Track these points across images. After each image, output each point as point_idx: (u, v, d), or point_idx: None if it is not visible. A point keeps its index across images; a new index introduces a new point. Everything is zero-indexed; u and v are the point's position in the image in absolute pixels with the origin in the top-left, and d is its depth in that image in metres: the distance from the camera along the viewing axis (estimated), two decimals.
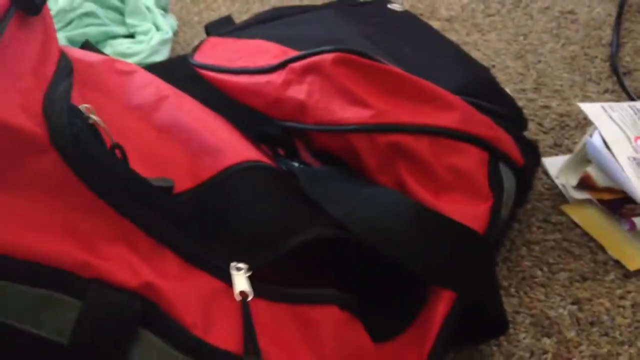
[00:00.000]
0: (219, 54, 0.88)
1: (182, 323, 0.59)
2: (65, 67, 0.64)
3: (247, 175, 0.68)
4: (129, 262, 0.58)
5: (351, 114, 0.73)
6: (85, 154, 0.59)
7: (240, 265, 0.61)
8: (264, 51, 0.83)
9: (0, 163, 0.58)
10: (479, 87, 0.86)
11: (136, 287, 0.57)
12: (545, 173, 0.96)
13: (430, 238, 0.69)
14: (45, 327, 0.58)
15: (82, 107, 0.61)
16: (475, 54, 1.18)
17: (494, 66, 1.18)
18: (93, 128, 0.61)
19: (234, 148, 0.70)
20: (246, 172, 0.68)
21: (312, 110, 0.74)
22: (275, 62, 0.78)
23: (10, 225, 0.57)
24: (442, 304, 0.67)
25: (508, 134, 0.81)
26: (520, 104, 1.07)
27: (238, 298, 0.60)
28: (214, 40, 0.94)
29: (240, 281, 0.61)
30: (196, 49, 0.92)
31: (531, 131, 1.04)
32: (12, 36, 0.61)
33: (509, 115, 0.87)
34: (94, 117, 0.61)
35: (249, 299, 0.60)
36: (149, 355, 0.58)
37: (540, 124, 1.06)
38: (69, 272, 0.57)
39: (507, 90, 0.97)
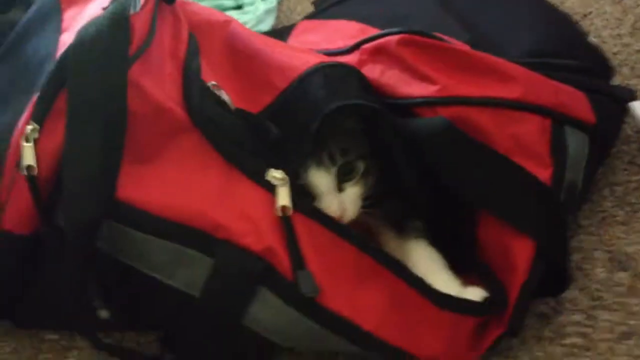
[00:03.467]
0: (307, 38, 0.97)
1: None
2: (194, 45, 0.76)
3: (309, 79, 0.76)
4: (257, 227, 0.69)
5: (417, 88, 0.79)
6: (218, 129, 0.72)
7: (276, 173, 0.70)
8: (345, 31, 0.91)
9: (157, 140, 0.71)
10: (556, 43, 0.89)
11: (259, 250, 0.69)
12: (634, 116, 0.98)
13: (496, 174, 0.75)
14: (177, 279, 0.71)
15: (210, 84, 0.74)
16: (573, 0, 1.20)
17: (591, 12, 1.19)
18: (219, 99, 0.74)
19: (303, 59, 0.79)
20: (309, 76, 0.76)
21: (383, 87, 0.81)
22: (353, 42, 0.86)
23: (159, 190, 0.70)
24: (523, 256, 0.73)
25: (584, 89, 0.84)
26: (615, 49, 1.10)
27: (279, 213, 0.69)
28: (303, 24, 1.03)
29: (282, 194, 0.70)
30: (289, 34, 1.02)
31: (624, 75, 1.06)
32: (157, 27, 0.74)
33: (588, 67, 0.90)
34: (219, 92, 0.74)
35: (290, 213, 0.69)
36: (266, 308, 0.70)
37: (633, 68, 1.07)
38: (204, 232, 0.69)
39: (604, 35, 0.99)
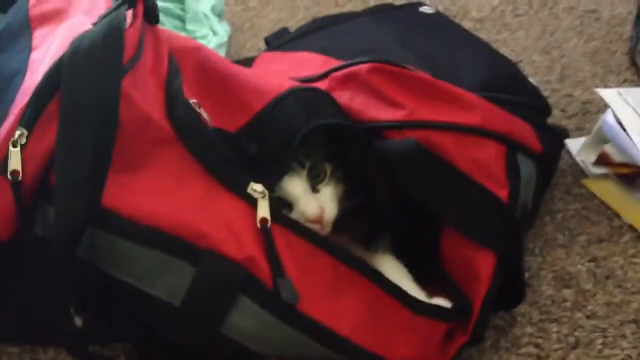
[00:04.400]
0: (272, 68, 1.02)
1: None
2: (174, 65, 0.78)
3: (285, 100, 0.79)
4: (238, 237, 0.72)
5: (386, 113, 0.84)
6: (201, 142, 0.74)
7: (256, 186, 0.73)
8: (309, 62, 0.96)
9: (143, 150, 0.73)
10: (503, 80, 0.97)
11: (240, 259, 0.71)
12: (568, 152, 1.07)
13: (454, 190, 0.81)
14: (158, 287, 0.72)
15: (191, 102, 0.76)
16: (504, 51, 1.28)
17: (521, 61, 1.29)
18: (200, 116, 0.76)
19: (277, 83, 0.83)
20: (285, 98, 0.80)
21: (353, 112, 0.85)
22: (319, 72, 0.91)
23: (143, 198, 0.72)
24: (484, 270, 0.79)
25: (529, 123, 0.91)
26: (545, 93, 1.19)
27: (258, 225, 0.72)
28: (265, 55, 1.08)
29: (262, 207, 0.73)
30: (251, 65, 1.06)
31: (556, 117, 1.15)
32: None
33: (532, 104, 0.98)
34: (200, 110, 0.77)
35: (269, 225, 0.72)
36: (245, 316, 0.72)
37: (564, 111, 1.17)
38: (188, 242, 0.71)
39: (533, 81, 1.08)
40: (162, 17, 1.30)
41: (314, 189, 0.79)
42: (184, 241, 0.71)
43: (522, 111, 0.93)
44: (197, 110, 0.77)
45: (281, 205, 0.77)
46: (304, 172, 0.78)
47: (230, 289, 0.72)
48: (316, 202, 0.77)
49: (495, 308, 0.82)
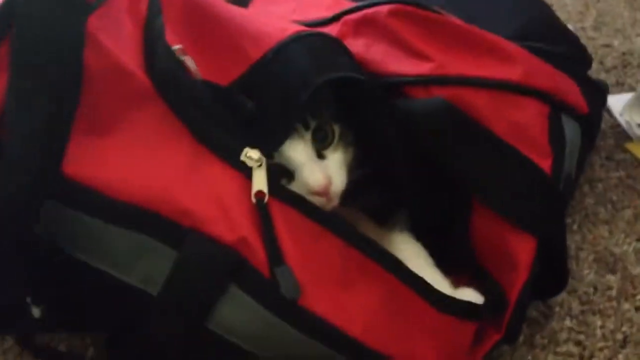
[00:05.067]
0: (272, 8, 0.87)
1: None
2: (155, 3, 0.65)
3: (289, 48, 0.67)
4: (229, 214, 0.59)
5: (409, 66, 0.72)
6: (186, 99, 0.61)
7: (252, 152, 0.60)
8: (317, 2, 0.82)
9: (115, 107, 0.60)
10: (541, 27, 0.84)
11: (231, 242, 0.59)
12: (608, 111, 0.94)
13: (496, 164, 0.68)
14: (132, 273, 0.60)
15: (175, 48, 0.63)
16: None
17: (552, 5, 1.14)
18: (185, 66, 0.63)
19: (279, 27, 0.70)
20: (288, 45, 0.67)
21: (369, 63, 0.73)
22: (328, 14, 0.77)
23: (114, 167, 0.59)
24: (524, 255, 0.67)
25: (572, 77, 0.79)
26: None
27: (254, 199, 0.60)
28: None
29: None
30: (248, 3, 0.91)
31: (593, 70, 1.01)
32: None
33: (573, 55, 0.85)
34: (185, 58, 0.63)
35: (266, 200, 0.60)
36: (236, 309, 0.60)
37: (601, 63, 1.04)
38: (169, 220, 0.59)
39: (572, 28, 0.95)
40: None
41: (320, 155, 0.66)
42: (164, 219, 0.59)
43: (564, 63, 0.80)
44: (182, 58, 0.64)
45: (279, 175, 0.64)
46: (309, 135, 0.65)
47: (219, 277, 0.59)
48: (322, 170, 0.65)
49: (531, 297, 0.70)
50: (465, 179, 0.67)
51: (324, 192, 0.64)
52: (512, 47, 0.73)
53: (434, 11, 0.73)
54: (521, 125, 0.70)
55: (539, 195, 0.68)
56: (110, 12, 0.61)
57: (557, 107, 0.73)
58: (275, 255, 0.60)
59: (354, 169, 0.68)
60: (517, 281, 0.66)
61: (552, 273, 0.69)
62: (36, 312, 0.63)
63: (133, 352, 0.65)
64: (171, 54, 0.63)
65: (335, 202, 0.66)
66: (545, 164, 0.69)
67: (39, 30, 0.57)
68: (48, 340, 0.72)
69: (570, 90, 0.76)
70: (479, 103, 0.69)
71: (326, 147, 0.66)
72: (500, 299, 0.66)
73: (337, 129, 0.67)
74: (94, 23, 0.59)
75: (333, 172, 0.65)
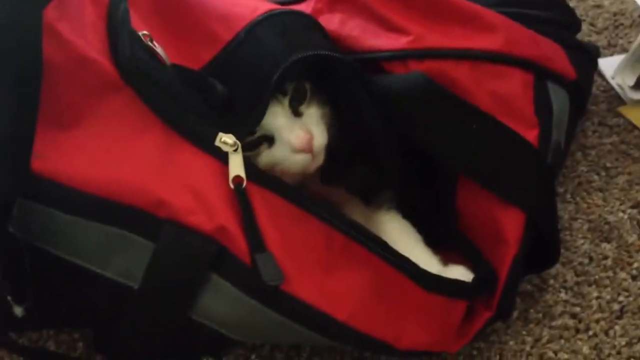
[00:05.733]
0: None
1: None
2: None
3: (260, 28, 0.65)
4: (206, 203, 0.57)
5: (386, 40, 0.69)
6: (155, 85, 0.59)
7: (226, 137, 0.59)
8: None
9: (80, 99, 0.59)
10: None
11: (209, 231, 0.57)
12: (600, 74, 0.92)
13: (480, 135, 0.66)
14: (110, 267, 0.59)
15: (142, 34, 0.61)
16: None
17: None
18: (153, 52, 0.61)
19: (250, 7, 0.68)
20: (260, 25, 0.65)
21: (345, 39, 0.71)
22: None
23: (84, 160, 0.58)
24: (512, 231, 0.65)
25: (558, 42, 0.77)
26: (570, 4, 1.02)
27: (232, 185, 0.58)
28: None
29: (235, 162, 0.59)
30: None
31: (583, 32, 0.99)
32: None
33: (560, 19, 0.83)
34: (152, 43, 0.61)
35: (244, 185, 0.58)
36: (219, 299, 0.59)
37: (592, 24, 1.01)
38: (143, 211, 0.57)
39: None
40: None
41: (296, 113, 0.64)
42: (139, 211, 0.57)
43: (550, 29, 0.78)
44: (149, 44, 0.62)
45: (256, 143, 0.63)
46: (286, 100, 0.64)
47: (199, 268, 0.58)
48: (302, 126, 0.63)
49: (523, 272, 0.68)
50: (448, 155, 0.65)
51: (307, 148, 0.62)
52: (492, 15, 0.70)
53: None
54: (504, 96, 0.68)
55: (525, 168, 0.67)
56: (70, 0, 0.59)
57: (542, 75, 0.71)
58: (256, 242, 0.58)
59: (332, 127, 0.66)
60: (506, 257, 0.64)
61: (544, 246, 0.68)
62: (18, 311, 0.61)
63: (120, 345, 0.64)
64: (137, 39, 0.61)
65: (320, 158, 0.64)
66: (532, 135, 0.67)
67: None
68: (36, 337, 0.71)
69: (555, 57, 0.74)
70: (460, 75, 0.67)
71: (301, 104, 0.64)
72: (490, 276, 0.64)
73: (308, 86, 0.65)
74: (52, 13, 0.57)
75: (312, 126, 0.64)
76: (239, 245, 0.58)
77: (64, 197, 0.57)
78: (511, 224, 0.65)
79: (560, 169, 0.78)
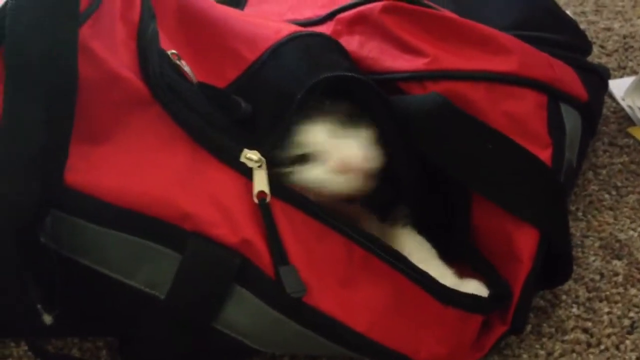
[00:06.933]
0: (267, 9, 0.87)
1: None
2: (148, 9, 0.65)
3: (284, 49, 0.67)
4: (231, 216, 0.59)
5: (403, 62, 0.72)
6: (183, 102, 0.61)
7: (251, 154, 0.60)
8: (310, 0, 0.82)
9: (112, 114, 0.61)
10: (538, 15, 0.84)
11: (234, 244, 0.59)
12: (610, 96, 0.94)
13: (495, 156, 0.68)
14: (138, 278, 0.61)
15: (170, 53, 0.64)
16: None
17: None
18: (181, 70, 0.64)
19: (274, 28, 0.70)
20: (283, 46, 0.68)
21: (364, 60, 0.73)
22: (323, 12, 0.77)
23: (114, 174, 0.60)
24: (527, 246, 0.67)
25: (570, 64, 0.79)
26: (581, 27, 1.05)
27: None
28: None
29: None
30: (244, 4, 0.91)
31: (594, 54, 1.01)
32: None
33: (572, 42, 0.85)
34: (179, 62, 0.64)
35: (268, 200, 0.60)
36: (243, 310, 0.61)
37: (602, 47, 1.04)
38: (170, 224, 0.59)
39: (568, 12, 0.95)
40: None
41: (343, 133, 0.64)
42: (166, 223, 0.60)
43: (562, 52, 0.80)
44: (177, 62, 0.64)
45: (293, 161, 0.64)
46: (326, 116, 0.64)
47: (224, 279, 0.60)
48: (354, 143, 0.64)
49: (537, 287, 0.70)
50: (464, 173, 0.67)
51: (358, 168, 0.63)
52: (506, 38, 0.72)
53: (427, 6, 0.73)
54: (519, 116, 0.70)
55: (539, 186, 0.68)
56: (102, 20, 0.62)
57: (555, 96, 0.73)
58: (279, 255, 0.60)
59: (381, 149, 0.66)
60: (520, 273, 0.66)
61: (557, 263, 0.70)
62: (47, 319, 0.63)
63: (144, 353, 0.66)
64: (166, 58, 0.63)
65: (365, 181, 0.64)
66: (545, 154, 0.69)
67: (31, 42, 0.57)
68: (60, 344, 0.73)
69: (568, 79, 0.76)
70: (475, 96, 0.69)
71: (349, 124, 0.65)
72: (504, 291, 0.66)
73: (353, 108, 0.66)
74: (87, 32, 0.59)
75: (366, 147, 0.64)
76: (263, 258, 0.60)
77: (94, 209, 0.59)
78: (525, 241, 0.66)
79: (572, 188, 0.80)
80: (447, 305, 0.63)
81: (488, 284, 0.66)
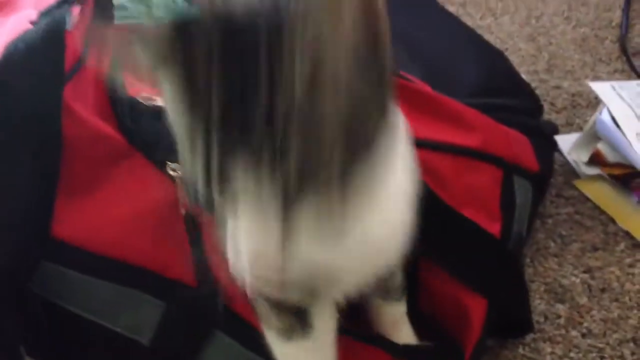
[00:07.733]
0: None
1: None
2: None
3: None
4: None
5: None
6: (160, 146, 0.63)
7: None
8: None
9: (95, 169, 0.65)
10: (497, 80, 0.91)
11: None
12: (558, 150, 1.01)
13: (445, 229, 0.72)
14: (121, 324, 0.65)
15: (141, 96, 0.67)
16: (488, 37, 1.21)
17: (507, 49, 1.22)
18: (155, 110, 0.65)
19: None
20: None
21: None
22: None
23: (99, 224, 0.64)
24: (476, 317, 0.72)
25: (524, 130, 0.85)
26: (532, 85, 1.13)
27: None
28: None
29: None
30: None
31: (545, 111, 1.08)
32: None
33: (527, 105, 0.92)
34: (152, 102, 0.67)
35: None
36: (220, 353, 0.65)
37: (552, 104, 1.11)
38: (153, 272, 0.63)
39: (521, 71, 1.01)
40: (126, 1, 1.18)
41: None
42: (149, 272, 0.64)
43: (518, 117, 0.87)
44: (148, 104, 0.68)
45: None
46: None
47: (205, 325, 0.65)
48: None
49: (500, 336, 0.77)
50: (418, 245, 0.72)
51: None
52: (473, 114, 0.79)
53: (404, 78, 0.78)
54: (476, 188, 0.76)
55: (488, 257, 0.74)
56: (81, 81, 0.66)
57: (510, 170, 0.79)
58: None
59: None
60: (470, 339, 0.71)
61: (514, 322, 0.76)
62: None
63: None
64: (137, 105, 0.67)
65: None
66: (495, 228, 0.76)
67: (18, 102, 0.61)
68: None
69: (522, 152, 0.82)
70: (443, 167, 0.74)
71: None
72: (455, 351, 0.71)
73: None
74: (69, 93, 0.64)
75: None
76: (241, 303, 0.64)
77: (79, 259, 0.64)
78: (475, 310, 0.72)
79: (522, 253, 0.86)
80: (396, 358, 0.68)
81: (437, 345, 0.71)
